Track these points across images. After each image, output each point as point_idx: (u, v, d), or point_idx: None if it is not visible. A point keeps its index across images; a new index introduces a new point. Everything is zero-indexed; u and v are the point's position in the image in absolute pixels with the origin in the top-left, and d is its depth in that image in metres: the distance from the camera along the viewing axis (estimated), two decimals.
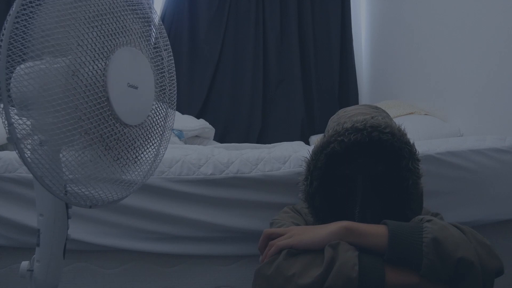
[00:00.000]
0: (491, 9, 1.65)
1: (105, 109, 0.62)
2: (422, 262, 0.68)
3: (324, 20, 3.01)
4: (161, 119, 0.80)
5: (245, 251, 1.13)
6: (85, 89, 0.59)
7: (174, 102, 0.85)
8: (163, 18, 2.78)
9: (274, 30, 2.92)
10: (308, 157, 0.87)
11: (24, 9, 0.55)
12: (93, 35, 0.61)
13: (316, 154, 0.85)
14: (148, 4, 0.77)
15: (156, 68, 0.78)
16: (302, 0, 2.97)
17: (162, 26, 0.83)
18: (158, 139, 0.80)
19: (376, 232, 0.72)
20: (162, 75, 0.81)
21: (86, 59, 0.60)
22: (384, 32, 2.81)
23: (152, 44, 0.78)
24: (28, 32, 0.55)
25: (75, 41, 0.59)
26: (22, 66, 0.55)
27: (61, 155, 0.62)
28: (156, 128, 0.78)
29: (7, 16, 0.54)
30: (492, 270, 0.69)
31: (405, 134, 0.82)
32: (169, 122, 0.84)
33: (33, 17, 0.56)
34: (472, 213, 1.19)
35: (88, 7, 0.61)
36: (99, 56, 0.62)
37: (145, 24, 0.75)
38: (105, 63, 0.63)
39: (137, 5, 0.73)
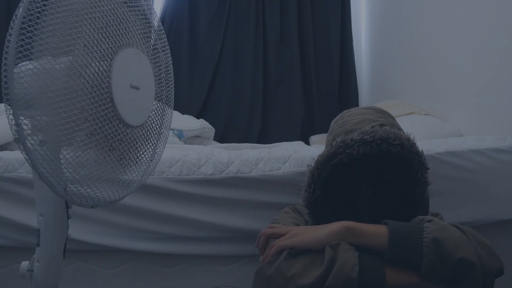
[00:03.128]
0: (491, 9, 1.65)
1: (109, 110, 0.63)
2: (422, 262, 0.68)
3: (324, 20, 3.00)
4: (158, 118, 0.80)
5: (245, 251, 1.13)
6: (91, 90, 0.60)
7: (172, 101, 0.85)
8: (163, 18, 2.78)
9: (274, 30, 2.92)
10: (312, 165, 0.85)
11: (31, 14, 0.55)
12: (98, 36, 0.62)
13: (322, 164, 0.83)
14: (148, 5, 0.77)
15: (154, 66, 0.79)
16: (302, 0, 2.97)
17: (161, 27, 0.83)
18: (155, 137, 0.80)
19: (376, 232, 0.72)
20: (159, 72, 0.81)
21: (92, 60, 0.60)
22: (384, 32, 2.81)
23: (152, 44, 0.78)
24: (35, 33, 0.55)
25: (81, 41, 0.59)
26: (24, 65, 0.55)
27: (61, 155, 0.62)
28: (154, 127, 0.78)
29: (14, 17, 0.53)
30: (492, 270, 0.69)
31: (415, 144, 0.81)
32: (167, 121, 0.84)
33: (40, 17, 0.56)
34: (472, 213, 1.19)
35: (93, 8, 0.62)
36: (104, 57, 0.62)
37: (146, 25, 0.76)
38: (109, 64, 0.63)
39: (137, 6, 0.73)
